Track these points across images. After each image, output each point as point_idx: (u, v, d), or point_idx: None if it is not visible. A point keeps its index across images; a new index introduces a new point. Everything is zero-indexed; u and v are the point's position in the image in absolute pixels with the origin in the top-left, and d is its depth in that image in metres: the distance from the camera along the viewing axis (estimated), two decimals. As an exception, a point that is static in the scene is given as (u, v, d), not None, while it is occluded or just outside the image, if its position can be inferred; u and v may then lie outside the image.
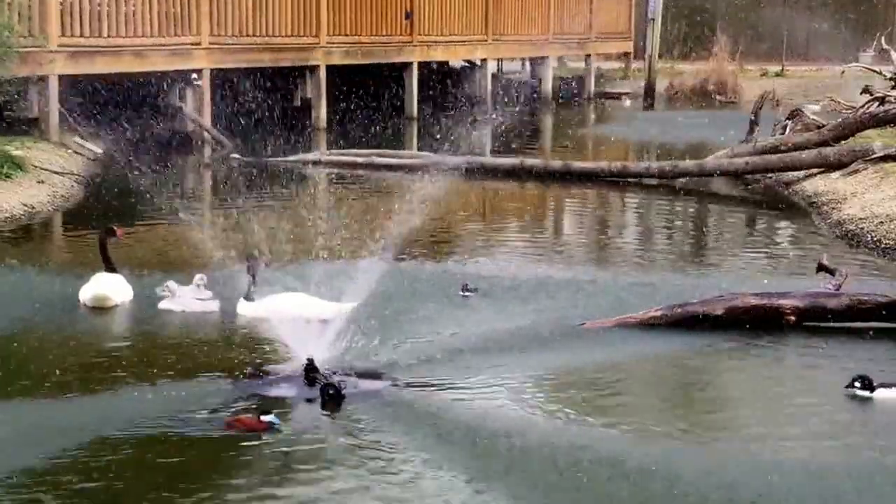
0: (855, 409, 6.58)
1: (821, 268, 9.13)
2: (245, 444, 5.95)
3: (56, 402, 6.53)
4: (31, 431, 6.08)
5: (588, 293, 9.05)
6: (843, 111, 18.44)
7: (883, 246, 10.94)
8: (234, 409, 6.38)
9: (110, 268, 8.82)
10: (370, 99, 22.65)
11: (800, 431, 6.25)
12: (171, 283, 8.57)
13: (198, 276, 8.60)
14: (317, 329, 7.37)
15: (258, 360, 7.25)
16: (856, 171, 13.83)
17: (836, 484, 5.46)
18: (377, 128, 20.45)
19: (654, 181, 15.65)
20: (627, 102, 29.29)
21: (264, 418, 6.06)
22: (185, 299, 8.50)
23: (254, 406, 6.42)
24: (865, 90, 18.58)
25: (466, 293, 8.93)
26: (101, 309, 8.51)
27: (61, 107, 16.39)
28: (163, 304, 8.52)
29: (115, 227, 9.22)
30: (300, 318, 7.62)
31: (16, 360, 7.38)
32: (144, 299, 8.71)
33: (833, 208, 12.82)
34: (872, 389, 6.60)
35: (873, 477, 5.53)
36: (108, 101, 17.32)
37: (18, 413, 6.35)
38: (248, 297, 8.30)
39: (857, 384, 6.63)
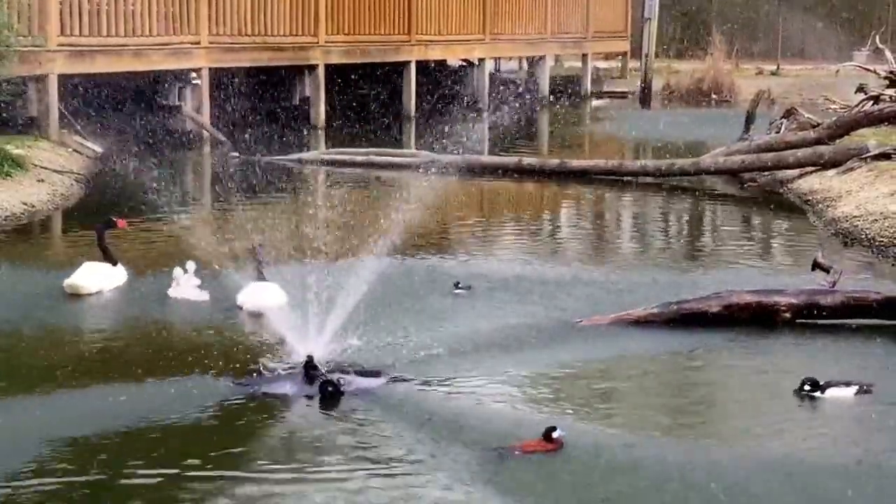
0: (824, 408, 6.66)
1: (816, 265, 9.21)
2: (242, 439, 6.01)
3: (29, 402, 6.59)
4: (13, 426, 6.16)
5: (584, 290, 9.11)
6: (838, 110, 18.54)
7: (877, 243, 11.02)
8: (230, 408, 6.43)
9: (108, 258, 9.08)
10: (368, 98, 22.73)
11: (786, 429, 6.34)
12: (178, 270, 8.83)
13: (188, 264, 8.86)
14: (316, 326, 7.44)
15: (252, 358, 7.30)
16: (850, 170, 13.91)
17: (825, 484, 5.55)
18: (375, 126, 20.51)
19: (650, 179, 15.72)
20: (596, 102, 29.22)
21: (555, 435, 5.81)
22: (185, 288, 8.78)
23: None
24: (860, 89, 18.69)
25: (458, 291, 8.99)
26: (77, 296, 8.78)
27: (61, 106, 16.44)
28: (171, 292, 8.81)
29: (116, 219, 9.48)
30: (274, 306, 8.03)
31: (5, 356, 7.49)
32: (136, 291, 9.00)
33: (828, 206, 12.90)
34: (823, 390, 6.67)
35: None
36: (108, 100, 17.38)
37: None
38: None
39: (807, 386, 6.69)
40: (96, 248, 9.28)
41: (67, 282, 8.84)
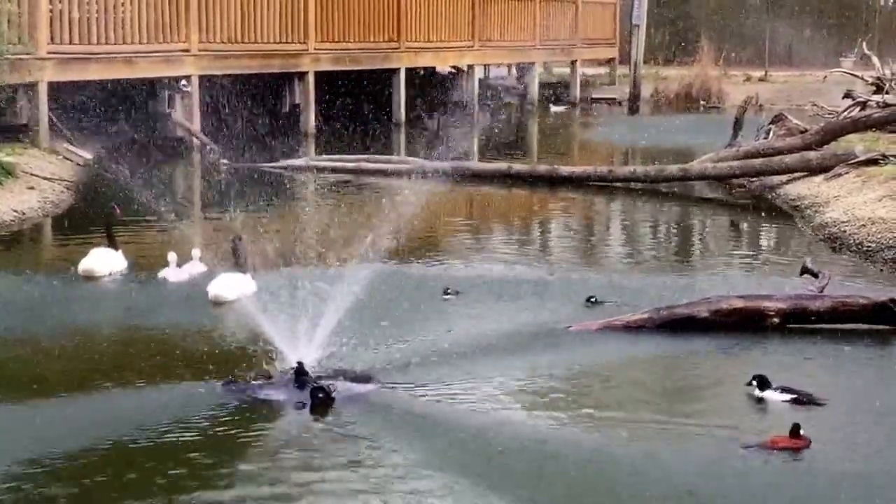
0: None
1: (804, 270, 9.26)
2: (234, 447, 6.01)
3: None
4: None
5: (574, 296, 9.13)
6: (826, 116, 18.66)
7: (865, 248, 11.08)
8: (221, 414, 6.43)
9: (112, 244, 10.02)
10: (358, 104, 22.77)
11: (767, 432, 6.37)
12: (172, 255, 9.65)
13: (193, 251, 9.79)
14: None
15: (242, 361, 7.30)
16: (838, 175, 13.99)
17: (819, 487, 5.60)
18: (365, 133, 20.55)
19: (639, 185, 15.78)
20: (554, 108, 29.29)
21: (805, 433, 5.94)
22: (175, 271, 9.61)
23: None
24: (847, 95, 18.83)
25: (447, 296, 9.01)
26: (91, 278, 9.60)
27: (51, 113, 16.44)
28: (161, 273, 9.65)
29: (116, 207, 10.81)
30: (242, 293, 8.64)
31: None
32: (131, 282, 9.70)
33: (816, 212, 12.97)
34: (763, 389, 6.77)
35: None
36: (98, 107, 17.39)
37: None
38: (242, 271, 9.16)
39: (754, 382, 6.80)
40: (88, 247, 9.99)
41: (81, 267, 9.65)
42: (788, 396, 6.72)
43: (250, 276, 8.99)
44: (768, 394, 6.76)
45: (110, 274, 9.69)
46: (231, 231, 10.14)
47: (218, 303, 8.78)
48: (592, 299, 8.86)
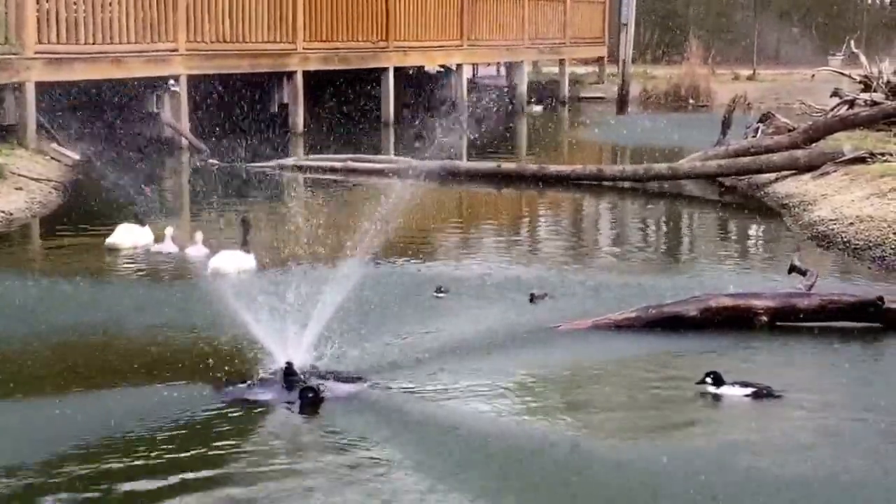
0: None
1: (792, 269, 9.29)
2: (223, 447, 6.00)
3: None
4: None
5: (564, 295, 9.15)
6: (814, 114, 18.71)
7: (853, 247, 11.12)
8: (209, 415, 6.42)
9: (139, 220, 10.96)
10: (347, 104, 22.75)
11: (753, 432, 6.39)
12: (169, 230, 10.65)
13: (197, 235, 10.67)
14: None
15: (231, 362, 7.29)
16: (826, 173, 14.04)
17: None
18: (354, 133, 20.54)
19: (628, 184, 15.81)
20: (536, 108, 29.29)
21: None
22: (167, 244, 10.59)
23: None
24: (835, 93, 18.89)
25: (439, 294, 9.04)
26: (116, 250, 10.71)
27: (38, 113, 16.40)
28: (153, 247, 10.70)
29: (145, 187, 11.84)
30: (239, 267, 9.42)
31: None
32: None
33: (804, 210, 13.01)
34: (719, 386, 6.81)
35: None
36: (86, 107, 17.35)
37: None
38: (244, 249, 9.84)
39: (709, 380, 6.84)
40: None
41: (108, 241, 10.71)
42: (749, 390, 6.76)
43: (251, 254, 9.65)
44: (725, 389, 6.79)
45: (135, 247, 10.71)
46: (220, 229, 10.29)
47: (217, 275, 9.23)
48: (533, 295, 8.91)
